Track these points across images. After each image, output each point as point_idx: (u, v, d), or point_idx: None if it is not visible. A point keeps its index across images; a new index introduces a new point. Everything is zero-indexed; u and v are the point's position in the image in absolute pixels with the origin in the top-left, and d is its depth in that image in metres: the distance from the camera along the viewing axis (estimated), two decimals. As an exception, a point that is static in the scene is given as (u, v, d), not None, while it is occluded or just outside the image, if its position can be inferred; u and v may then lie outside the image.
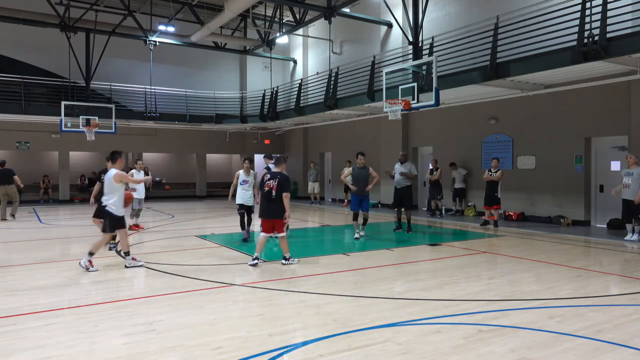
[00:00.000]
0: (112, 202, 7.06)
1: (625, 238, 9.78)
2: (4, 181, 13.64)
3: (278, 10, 19.13)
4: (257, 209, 8.17)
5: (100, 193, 7.61)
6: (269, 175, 7.28)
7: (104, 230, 7.29)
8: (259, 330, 4.42)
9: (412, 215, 11.41)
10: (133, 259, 7.31)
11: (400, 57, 14.42)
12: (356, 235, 10.07)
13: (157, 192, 22.78)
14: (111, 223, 7.14)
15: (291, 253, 7.49)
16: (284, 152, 24.98)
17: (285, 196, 7.20)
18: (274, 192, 7.15)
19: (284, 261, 7.37)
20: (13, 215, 14.04)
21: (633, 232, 9.74)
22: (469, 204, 14.74)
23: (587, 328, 4.45)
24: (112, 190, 7.09)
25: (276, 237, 7.81)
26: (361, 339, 4.17)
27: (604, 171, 11.88)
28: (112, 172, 7.12)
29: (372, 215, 13.57)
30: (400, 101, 11.28)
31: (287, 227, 7.54)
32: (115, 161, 7.32)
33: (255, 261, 7.25)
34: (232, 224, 12.79)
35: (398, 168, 11.06)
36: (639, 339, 4.17)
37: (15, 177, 13.94)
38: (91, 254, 6.97)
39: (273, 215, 7.24)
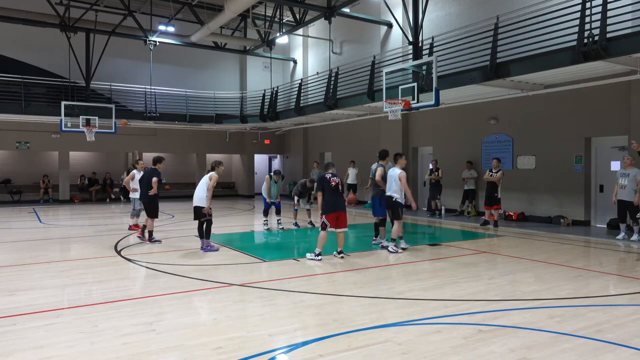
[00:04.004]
0: (399, 195, 8.54)
1: (617, 237, 9.93)
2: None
3: (278, 10, 19.10)
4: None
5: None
6: (330, 174, 8.00)
7: (398, 218, 8.62)
8: (259, 330, 4.42)
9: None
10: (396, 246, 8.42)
11: (400, 57, 14.41)
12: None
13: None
14: (399, 210, 8.60)
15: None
16: (284, 152, 25.00)
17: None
18: (340, 187, 7.91)
19: (336, 254, 7.97)
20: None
21: (631, 232, 9.81)
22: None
23: (587, 328, 4.45)
24: (397, 185, 8.53)
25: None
26: (361, 339, 4.17)
27: (604, 171, 11.87)
28: (397, 171, 8.55)
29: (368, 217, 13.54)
30: (400, 101, 11.27)
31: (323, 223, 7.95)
32: (397, 161, 8.68)
33: (321, 257, 7.83)
34: (231, 224, 12.81)
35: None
36: (639, 339, 4.17)
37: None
38: (394, 240, 8.48)
39: (341, 207, 7.90)
